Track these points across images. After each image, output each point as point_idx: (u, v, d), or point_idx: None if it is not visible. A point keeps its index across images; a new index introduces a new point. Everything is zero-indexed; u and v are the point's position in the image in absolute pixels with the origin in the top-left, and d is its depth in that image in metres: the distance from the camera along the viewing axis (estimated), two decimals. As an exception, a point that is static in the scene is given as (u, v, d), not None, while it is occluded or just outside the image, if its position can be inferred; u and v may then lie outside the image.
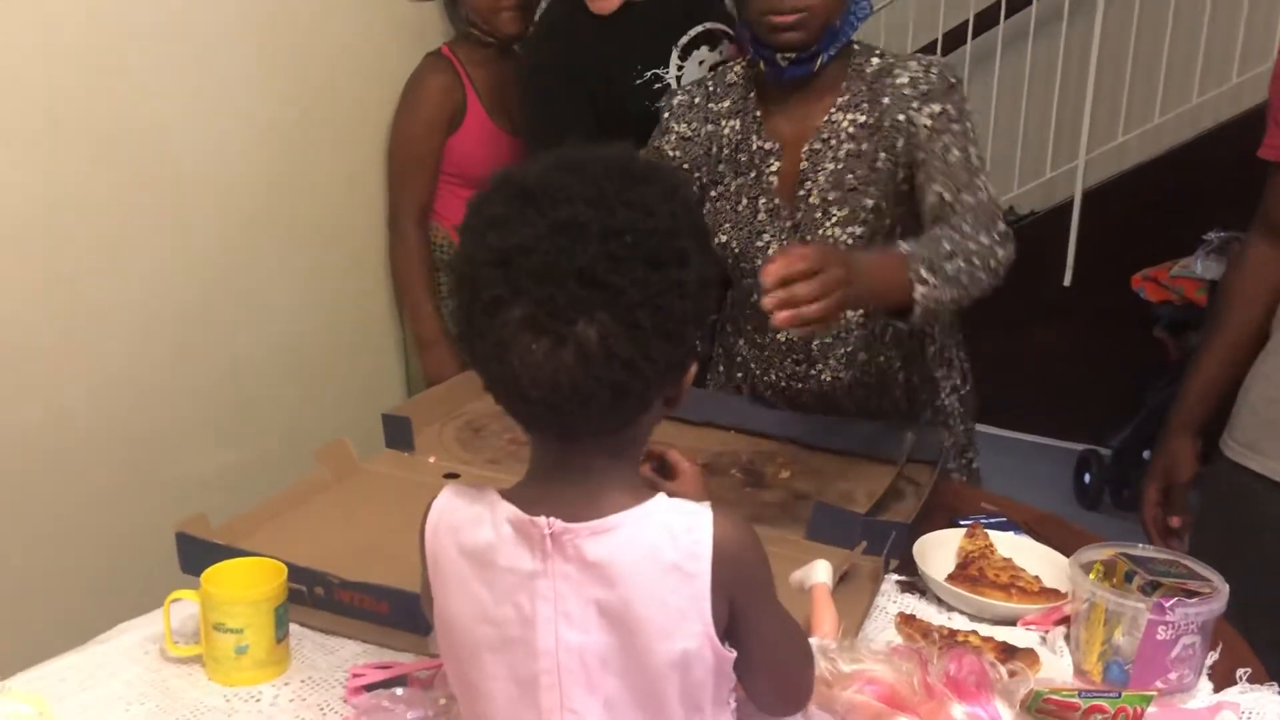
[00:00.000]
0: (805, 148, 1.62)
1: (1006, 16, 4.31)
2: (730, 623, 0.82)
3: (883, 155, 1.59)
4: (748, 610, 0.83)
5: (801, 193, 1.63)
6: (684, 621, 0.80)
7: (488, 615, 0.83)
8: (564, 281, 0.74)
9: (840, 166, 1.61)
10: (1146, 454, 3.75)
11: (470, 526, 0.84)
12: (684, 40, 2.01)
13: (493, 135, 2.30)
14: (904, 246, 1.42)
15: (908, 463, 1.62)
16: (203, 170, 2.00)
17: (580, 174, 0.78)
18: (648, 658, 0.80)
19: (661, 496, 0.82)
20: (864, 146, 1.60)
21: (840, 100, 1.61)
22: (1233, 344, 1.64)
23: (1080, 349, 4.16)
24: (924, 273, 1.38)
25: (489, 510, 0.83)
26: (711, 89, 1.71)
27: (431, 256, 2.33)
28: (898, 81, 1.58)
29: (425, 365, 2.31)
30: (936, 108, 1.56)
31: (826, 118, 1.62)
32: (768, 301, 1.20)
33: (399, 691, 0.99)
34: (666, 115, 1.72)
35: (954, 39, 4.40)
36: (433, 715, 0.94)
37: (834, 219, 1.61)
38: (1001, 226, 1.52)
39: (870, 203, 1.60)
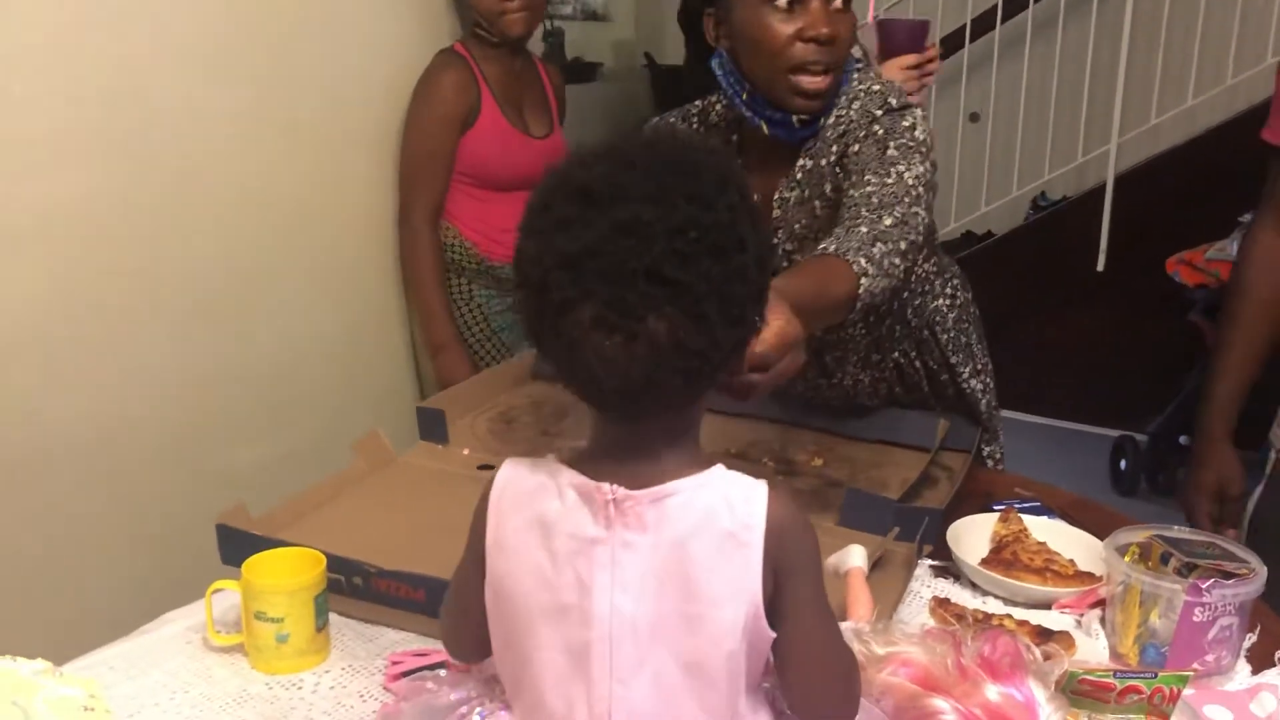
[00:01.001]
0: (776, 196, 1.58)
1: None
2: (775, 602, 0.83)
3: (817, 203, 1.55)
4: (791, 590, 0.84)
5: (775, 242, 1.60)
6: (734, 590, 0.81)
7: (547, 582, 0.84)
8: (633, 281, 0.76)
9: (792, 214, 1.58)
10: (1184, 439, 3.72)
11: (535, 494, 0.86)
12: None
13: (506, 134, 2.28)
14: (830, 246, 1.35)
15: (940, 450, 1.62)
16: (235, 170, 2.03)
17: (638, 171, 0.79)
18: (700, 626, 0.81)
19: (720, 467, 0.84)
20: (805, 192, 1.56)
21: (813, 146, 1.55)
22: (1254, 341, 1.59)
23: (1115, 334, 4.13)
24: (864, 263, 1.31)
25: (553, 478, 0.85)
26: (695, 126, 1.66)
27: (443, 257, 2.30)
28: (826, 122, 1.53)
29: (438, 369, 2.29)
30: (855, 146, 1.49)
31: (795, 166, 1.56)
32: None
33: (441, 673, 1.00)
34: None
35: (983, 23, 4.38)
36: (475, 696, 0.95)
37: None
38: (908, 209, 1.39)
39: (821, 246, 1.49)
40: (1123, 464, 3.84)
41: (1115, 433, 3.94)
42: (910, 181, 1.42)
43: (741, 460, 1.64)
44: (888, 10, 4.11)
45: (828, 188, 1.53)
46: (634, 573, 0.82)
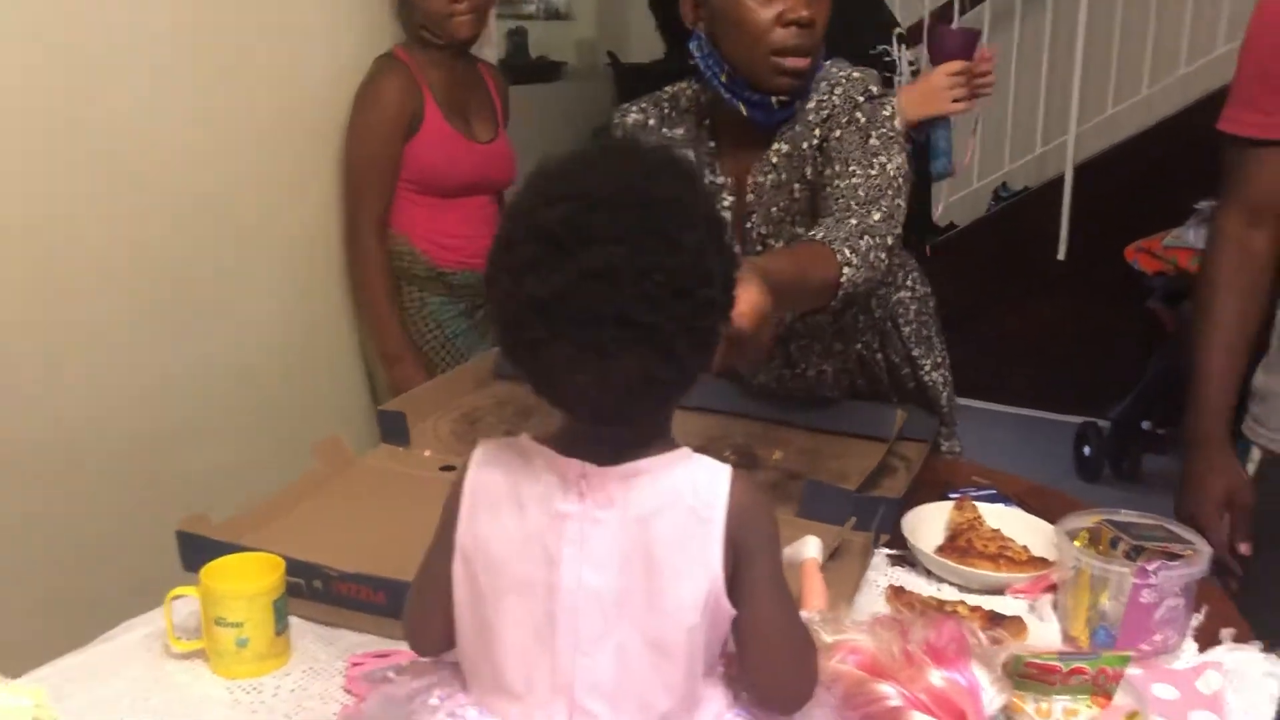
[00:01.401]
0: (750, 181, 1.59)
1: (992, -8, 4.32)
2: (733, 581, 0.86)
3: (796, 186, 1.56)
4: (749, 570, 0.86)
5: (747, 226, 1.61)
6: (696, 566, 0.84)
7: (517, 553, 0.87)
8: (602, 324, 0.78)
9: (768, 198, 1.58)
10: (1146, 425, 3.78)
11: (509, 472, 0.88)
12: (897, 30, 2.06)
13: (451, 140, 2.24)
14: (818, 234, 1.40)
15: (899, 440, 1.64)
16: (189, 176, 2.02)
17: (603, 211, 0.80)
18: (661, 601, 0.84)
19: (686, 450, 0.87)
20: (783, 176, 1.56)
21: (788, 130, 1.56)
22: (1234, 338, 1.55)
23: (1076, 322, 4.18)
24: (848, 253, 1.37)
25: (524, 456, 0.88)
26: (666, 111, 1.65)
27: (392, 266, 2.26)
28: (806, 107, 1.54)
29: (394, 381, 2.25)
30: (837, 132, 1.51)
31: (768, 151, 1.57)
32: None
33: (403, 663, 1.01)
34: (619, 134, 1.66)
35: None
36: (437, 682, 0.96)
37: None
38: (879, 215, 1.44)
39: (800, 230, 1.57)
40: (1086, 450, 3.89)
41: (1078, 419, 3.99)
42: (892, 173, 1.47)
43: (703, 454, 1.65)
44: None
45: (808, 171, 1.54)
46: (601, 547, 0.85)
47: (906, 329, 1.79)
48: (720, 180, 1.61)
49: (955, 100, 1.93)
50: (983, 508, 1.43)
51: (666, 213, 0.80)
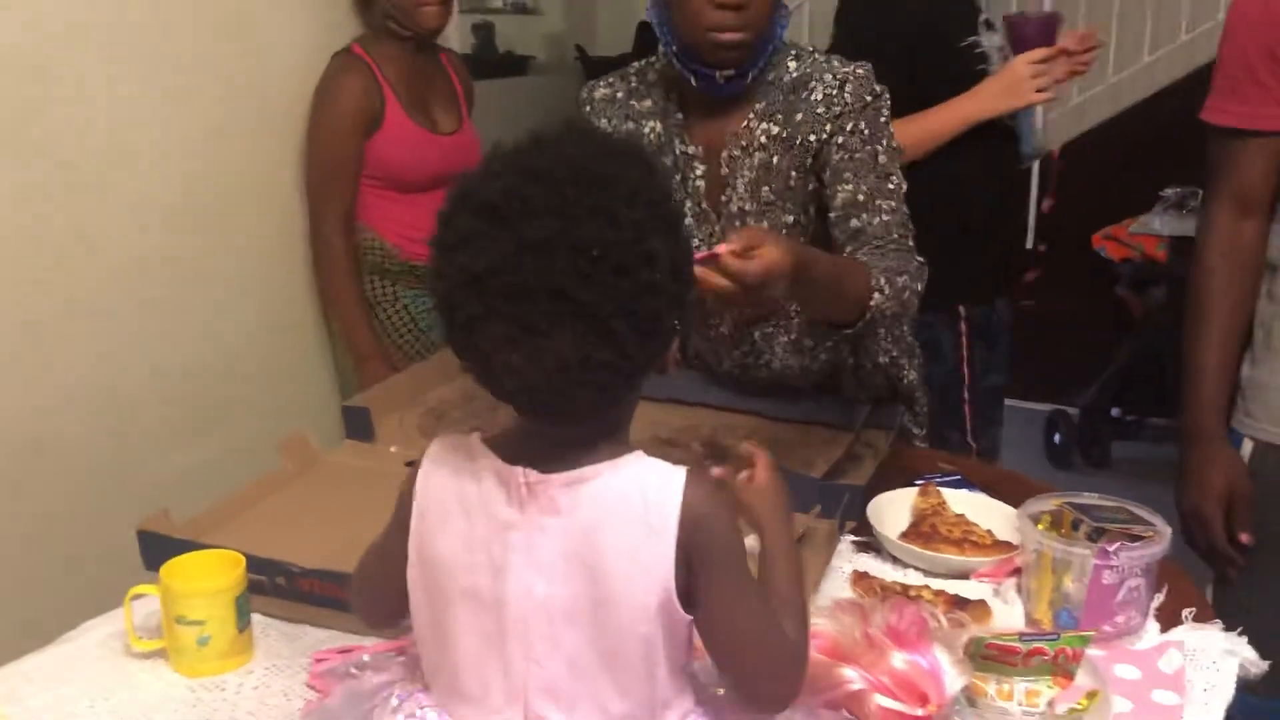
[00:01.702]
0: (724, 153, 1.58)
1: (959, -17, 4.33)
2: (691, 588, 0.83)
3: (794, 174, 1.56)
4: (708, 578, 0.83)
5: (724, 198, 1.60)
6: (647, 576, 0.81)
7: (465, 563, 0.86)
8: (535, 299, 0.76)
9: (755, 176, 1.58)
10: (1115, 411, 3.80)
11: (455, 476, 0.87)
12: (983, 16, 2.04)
13: (413, 135, 2.23)
14: (859, 256, 1.47)
15: (866, 429, 1.65)
16: (148, 174, 2.00)
17: (544, 183, 0.78)
18: (611, 609, 0.82)
19: (639, 453, 0.84)
20: (775, 160, 1.56)
21: (757, 107, 1.56)
22: (1227, 333, 1.56)
23: (1043, 311, 4.19)
24: (883, 282, 1.41)
25: (471, 460, 0.86)
26: (634, 85, 1.65)
27: (358, 262, 2.25)
28: (813, 98, 1.54)
29: (364, 380, 2.21)
30: (849, 126, 1.52)
31: (745, 124, 1.57)
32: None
33: (365, 658, 1.00)
34: (588, 110, 1.68)
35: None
36: (398, 679, 0.96)
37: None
38: (918, 259, 1.52)
39: (790, 219, 1.58)
40: (1056, 438, 3.92)
41: (1047, 407, 4.02)
42: (902, 193, 1.53)
43: (671, 446, 1.65)
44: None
45: (809, 161, 1.54)
46: (546, 557, 0.83)
47: (880, 331, 1.74)
48: (690, 150, 1.60)
49: (1039, 90, 1.90)
50: (947, 493, 1.44)
51: (608, 189, 0.79)
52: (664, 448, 1.65)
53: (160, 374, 2.05)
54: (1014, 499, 1.42)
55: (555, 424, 0.85)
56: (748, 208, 1.59)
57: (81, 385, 1.92)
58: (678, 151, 1.61)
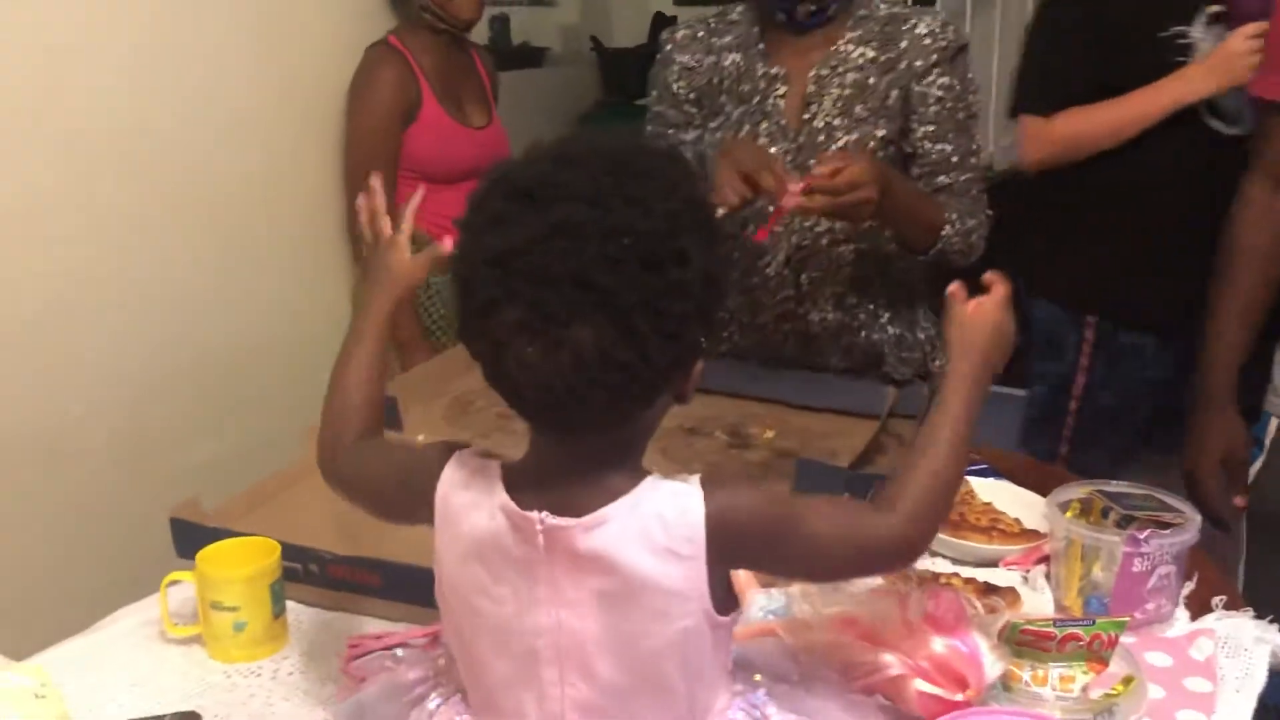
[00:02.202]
0: (812, 73, 1.65)
1: (975, -28, 4.32)
2: (758, 570, 0.85)
3: (895, 94, 1.64)
4: (770, 557, 0.83)
5: (806, 116, 1.66)
6: (681, 602, 0.80)
7: (488, 593, 0.84)
8: (559, 284, 0.73)
9: (848, 94, 1.64)
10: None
11: (469, 510, 0.84)
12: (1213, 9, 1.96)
13: (447, 127, 2.24)
14: (936, 196, 1.64)
15: (891, 417, 1.65)
16: (180, 166, 2.02)
17: (579, 170, 0.76)
18: (645, 640, 0.81)
19: (651, 479, 0.82)
20: (872, 80, 1.64)
21: (850, 35, 1.65)
22: (1250, 303, 1.57)
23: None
24: (954, 219, 1.61)
25: (487, 496, 0.83)
26: (713, 25, 1.74)
27: None
28: (917, 31, 1.64)
29: (405, 365, 2.19)
30: (948, 80, 1.63)
31: (835, 48, 1.65)
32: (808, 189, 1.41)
33: (399, 653, 1.01)
34: (669, 47, 1.76)
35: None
36: (433, 675, 0.96)
37: (840, 142, 1.64)
38: (989, 212, 1.68)
39: (881, 133, 1.64)
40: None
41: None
42: (979, 152, 1.69)
43: (695, 434, 1.65)
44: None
45: (913, 85, 1.63)
46: (573, 592, 0.81)
47: (920, 308, 1.79)
48: (774, 71, 1.68)
49: (1254, 67, 1.78)
50: (974, 482, 1.44)
51: (644, 181, 0.76)
52: (688, 437, 1.65)
53: (189, 363, 2.07)
54: (1040, 487, 1.42)
55: (564, 434, 0.82)
56: (836, 123, 1.65)
57: (111, 375, 1.94)
58: (759, 74, 1.68)
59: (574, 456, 0.82)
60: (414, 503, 0.88)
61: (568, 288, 0.73)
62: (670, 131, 1.77)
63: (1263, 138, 1.56)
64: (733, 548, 0.81)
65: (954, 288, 0.97)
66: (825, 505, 0.85)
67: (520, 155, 0.82)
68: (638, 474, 0.83)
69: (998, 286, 0.97)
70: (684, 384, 0.83)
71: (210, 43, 2.05)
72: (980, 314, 0.95)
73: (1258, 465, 1.62)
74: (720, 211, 1.48)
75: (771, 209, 1.49)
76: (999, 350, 0.94)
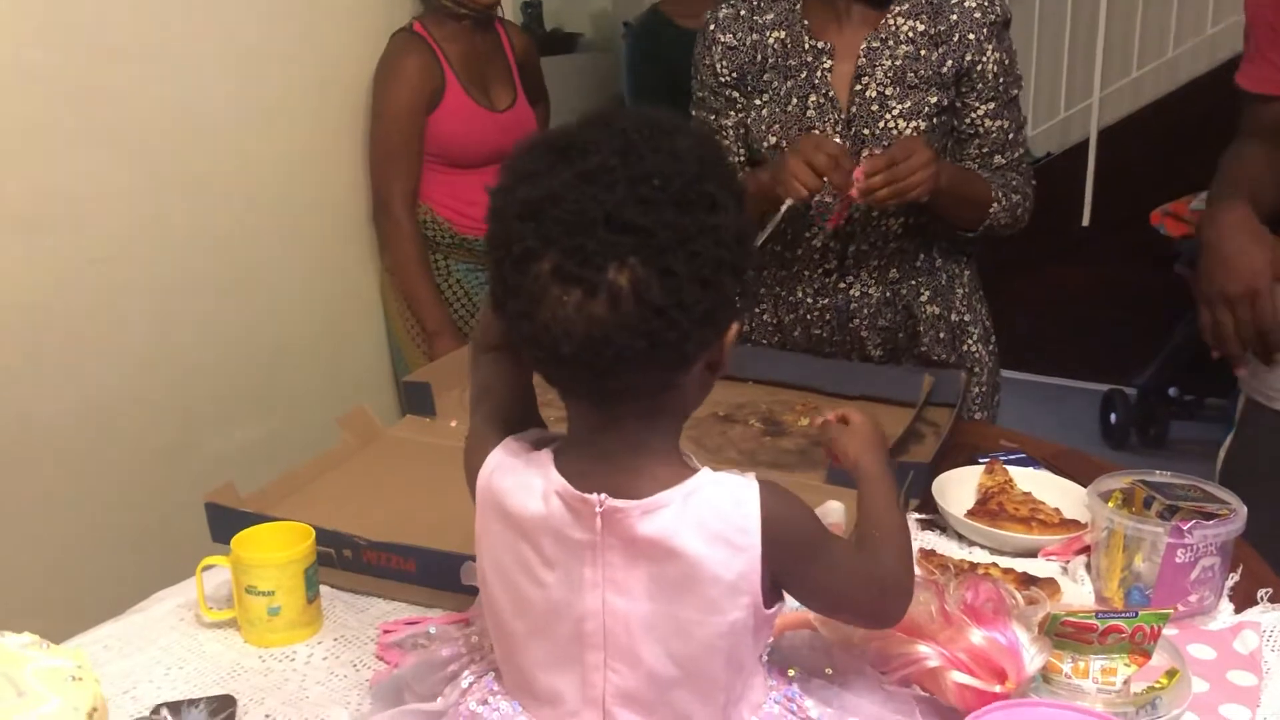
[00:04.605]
0: (863, 45, 1.66)
1: (1013, -45, 4.26)
2: (776, 581, 0.83)
3: (949, 63, 1.66)
4: (800, 568, 0.84)
5: (858, 88, 1.67)
6: (734, 594, 0.80)
7: (534, 576, 0.84)
8: (592, 228, 0.73)
9: (900, 64, 1.66)
10: (1173, 391, 3.74)
11: (520, 492, 0.84)
12: None
13: (471, 112, 2.25)
14: (981, 173, 1.69)
15: (927, 405, 1.63)
16: (211, 157, 2.03)
17: (610, 127, 0.77)
18: (695, 629, 0.81)
19: (706, 471, 0.82)
20: (924, 52, 1.66)
21: (898, 8, 1.67)
22: (1257, 189, 1.50)
23: (1101, 289, 4.14)
24: (999, 193, 1.67)
25: (541, 479, 0.83)
26: (756, 3, 1.74)
27: (424, 240, 2.28)
28: (966, 4, 1.66)
29: (434, 353, 2.24)
30: (999, 55, 1.67)
31: (885, 20, 1.67)
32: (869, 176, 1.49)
33: (432, 630, 1.01)
34: (712, 27, 1.76)
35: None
36: (466, 652, 0.96)
37: (894, 111, 1.66)
38: (1033, 183, 1.75)
39: (934, 99, 1.66)
40: (1113, 417, 3.86)
41: (1104, 387, 3.96)
42: (1023, 129, 1.75)
43: (730, 422, 1.64)
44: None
45: (966, 56, 1.66)
46: (624, 575, 0.81)
47: (960, 290, 1.79)
48: (820, 44, 1.69)
49: None
50: (1013, 471, 1.42)
51: (671, 134, 0.77)
52: (723, 424, 1.64)
53: (223, 351, 2.08)
54: (1078, 476, 1.40)
55: (600, 401, 0.81)
56: (889, 92, 1.66)
57: (147, 364, 1.96)
58: (805, 47, 1.69)
59: (615, 433, 0.81)
60: (470, 476, 0.89)
61: (601, 230, 0.73)
62: (711, 118, 1.76)
63: (1249, 123, 1.56)
64: (778, 549, 0.81)
65: (829, 416, 1.05)
66: (846, 544, 0.92)
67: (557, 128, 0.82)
68: (686, 465, 0.83)
69: (850, 408, 1.06)
70: (719, 350, 0.82)
71: (238, 34, 2.06)
72: (862, 419, 1.03)
73: (1227, 442, 1.62)
74: (788, 203, 1.54)
75: (835, 198, 1.58)
76: (882, 442, 1.02)
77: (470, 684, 0.93)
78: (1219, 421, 1.68)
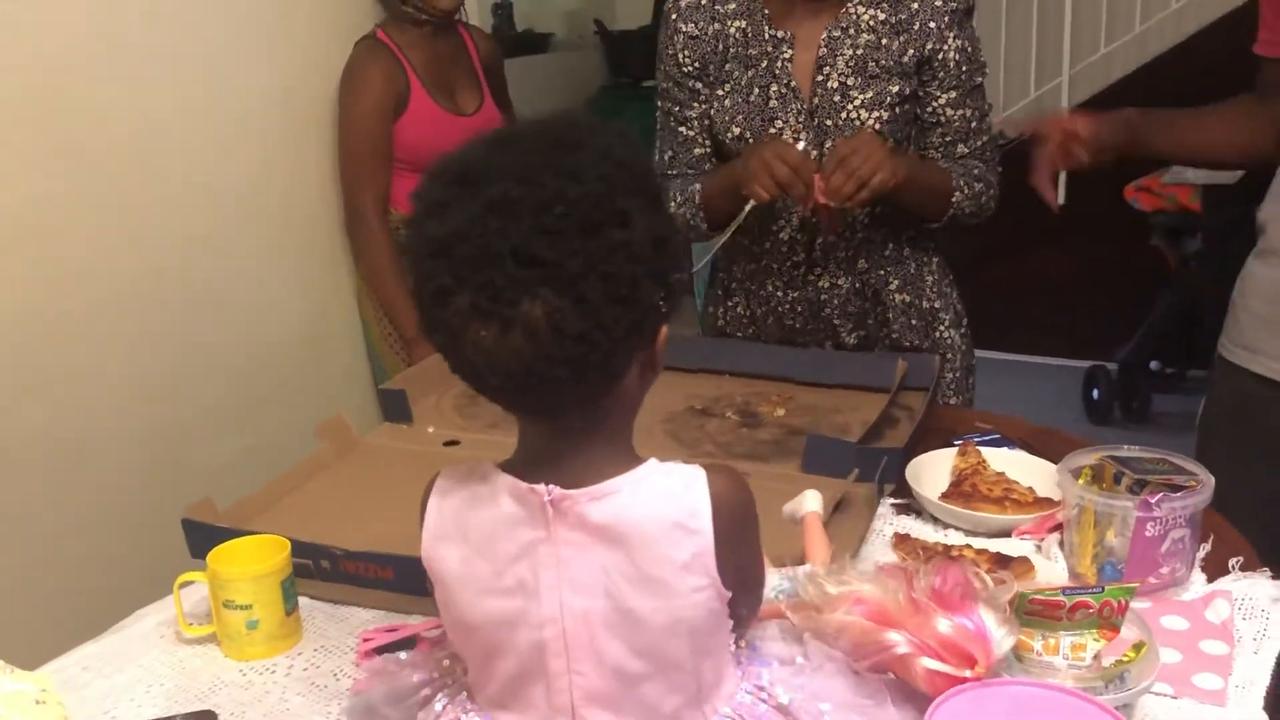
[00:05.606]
0: (824, 35, 1.66)
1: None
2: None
3: (910, 52, 1.66)
4: (735, 547, 0.85)
5: (819, 78, 1.67)
6: (691, 577, 0.81)
7: (490, 588, 0.84)
8: (501, 263, 0.73)
9: (861, 54, 1.66)
10: (1154, 365, 3.76)
11: (468, 506, 0.84)
12: None
13: (437, 118, 2.26)
14: (941, 164, 1.70)
15: (901, 390, 1.64)
16: (184, 168, 2.03)
17: (511, 149, 0.77)
18: (656, 617, 0.81)
19: (653, 461, 0.83)
20: (885, 41, 1.65)
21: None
22: (1223, 114, 1.62)
23: (1079, 266, 4.15)
24: (961, 183, 1.67)
25: (486, 485, 0.84)
26: None
27: (398, 245, 2.27)
28: None
29: (413, 359, 2.24)
30: (961, 42, 1.67)
31: (844, 10, 1.66)
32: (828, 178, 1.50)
33: (403, 656, 1.01)
34: (674, 16, 1.76)
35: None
36: (438, 677, 0.96)
37: (857, 101, 1.66)
38: (999, 169, 1.75)
39: (895, 89, 1.66)
40: (1095, 393, 3.88)
41: (1086, 363, 3.98)
42: (989, 118, 1.75)
43: (706, 415, 1.65)
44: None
45: (927, 45, 1.66)
46: (580, 570, 0.81)
47: (929, 278, 1.80)
48: (780, 34, 1.69)
49: None
50: (986, 452, 1.43)
51: (574, 152, 0.76)
52: (700, 418, 1.65)
53: (200, 365, 2.08)
54: (1052, 455, 1.41)
55: (541, 417, 0.82)
56: (850, 82, 1.67)
57: (123, 378, 1.96)
58: (766, 37, 1.69)
59: (562, 439, 0.82)
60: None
61: (510, 265, 0.73)
62: (676, 109, 1.76)
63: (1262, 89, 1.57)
64: (729, 528, 0.82)
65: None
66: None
67: (465, 142, 0.82)
68: (635, 457, 0.84)
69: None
70: (650, 353, 0.83)
71: (203, 43, 2.06)
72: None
73: (1202, 406, 1.66)
74: (750, 205, 1.57)
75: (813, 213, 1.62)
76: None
77: (444, 706, 0.93)
78: (1200, 393, 1.70)
